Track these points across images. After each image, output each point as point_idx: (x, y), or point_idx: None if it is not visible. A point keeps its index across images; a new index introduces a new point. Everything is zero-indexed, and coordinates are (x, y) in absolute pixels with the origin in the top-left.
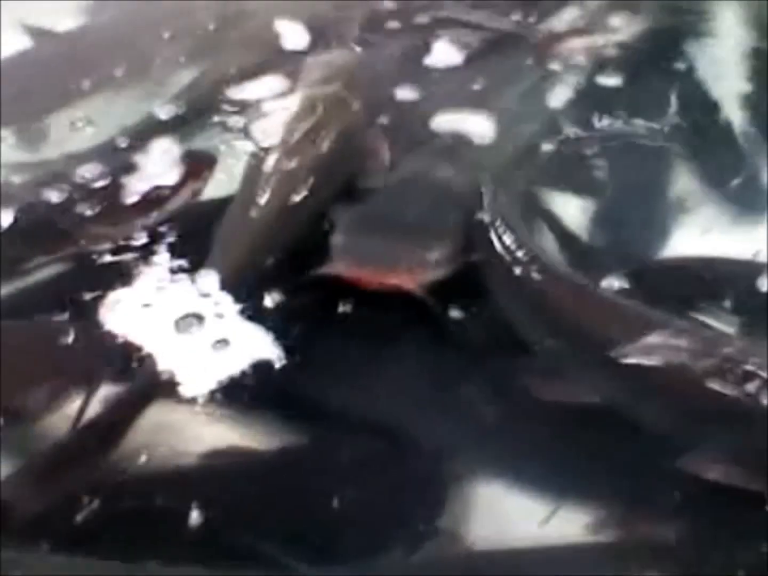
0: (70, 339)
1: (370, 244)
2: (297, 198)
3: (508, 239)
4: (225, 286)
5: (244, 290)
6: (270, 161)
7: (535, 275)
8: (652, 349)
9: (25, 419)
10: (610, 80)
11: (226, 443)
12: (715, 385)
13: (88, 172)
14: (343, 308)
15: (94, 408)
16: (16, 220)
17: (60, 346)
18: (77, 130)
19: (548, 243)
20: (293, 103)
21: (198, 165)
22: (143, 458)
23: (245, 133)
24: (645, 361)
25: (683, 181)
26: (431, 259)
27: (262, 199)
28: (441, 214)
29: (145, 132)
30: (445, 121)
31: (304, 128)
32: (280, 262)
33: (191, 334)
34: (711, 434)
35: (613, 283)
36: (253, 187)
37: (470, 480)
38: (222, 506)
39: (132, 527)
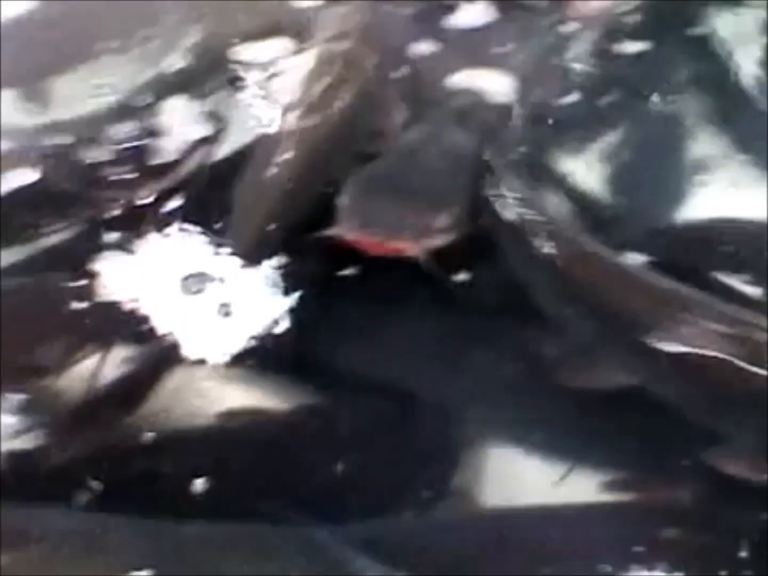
0: (80, 297)
1: (375, 207)
2: (316, 157)
3: (520, 207)
4: (243, 250)
5: (260, 254)
6: (288, 120)
7: (552, 245)
8: (685, 334)
9: (40, 376)
10: (629, 42)
11: (241, 404)
12: (746, 369)
13: (111, 133)
14: (353, 269)
15: (118, 368)
16: (38, 182)
17: (70, 304)
18: (87, 90)
19: (563, 207)
20: (308, 60)
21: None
22: (160, 418)
23: (260, 91)
24: (678, 347)
25: (704, 145)
26: (437, 224)
27: (281, 160)
28: (449, 178)
29: (158, 92)
30: (460, 80)
31: (321, 86)
32: (295, 224)
33: (205, 297)
34: (739, 419)
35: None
36: (271, 148)
37: (483, 441)
38: (236, 466)
39: (148, 486)
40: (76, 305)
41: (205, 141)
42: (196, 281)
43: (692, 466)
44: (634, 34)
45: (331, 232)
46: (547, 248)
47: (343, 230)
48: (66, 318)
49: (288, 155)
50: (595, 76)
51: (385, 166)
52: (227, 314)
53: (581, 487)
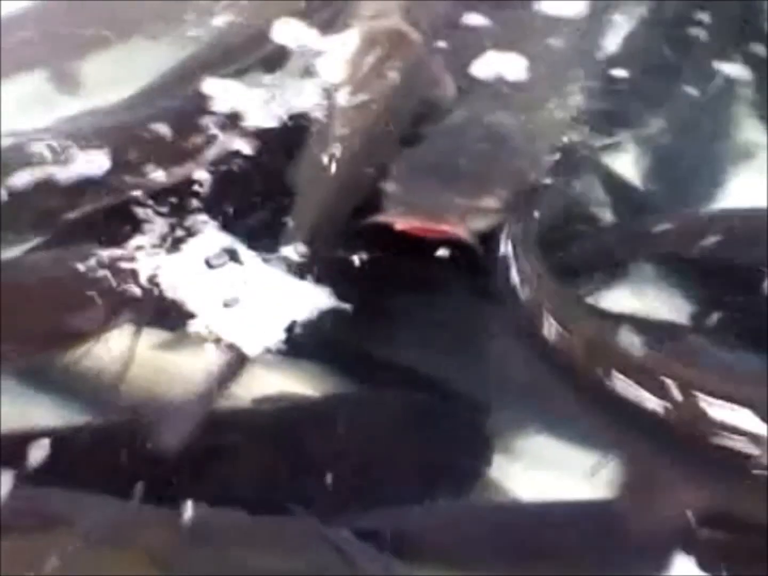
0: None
1: (419, 191)
2: (368, 137)
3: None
4: (304, 237)
5: (319, 240)
6: (338, 100)
7: None
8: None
9: (77, 342)
10: (669, 25)
11: (276, 390)
12: None
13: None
14: (395, 259)
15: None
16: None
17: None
18: (113, 75)
19: (600, 194)
20: (353, 39)
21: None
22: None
23: (305, 71)
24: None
25: (745, 131)
26: (482, 206)
27: (334, 143)
28: (494, 160)
29: (190, 75)
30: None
31: (368, 64)
32: (350, 209)
33: (239, 283)
34: None
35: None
36: (323, 131)
37: (516, 431)
38: (272, 451)
39: (178, 467)
40: (110, 274)
41: (227, 125)
42: (225, 264)
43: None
44: (675, 15)
45: (378, 218)
46: None
47: (389, 216)
48: (100, 286)
49: (340, 137)
50: (636, 60)
51: (428, 150)
52: (269, 301)
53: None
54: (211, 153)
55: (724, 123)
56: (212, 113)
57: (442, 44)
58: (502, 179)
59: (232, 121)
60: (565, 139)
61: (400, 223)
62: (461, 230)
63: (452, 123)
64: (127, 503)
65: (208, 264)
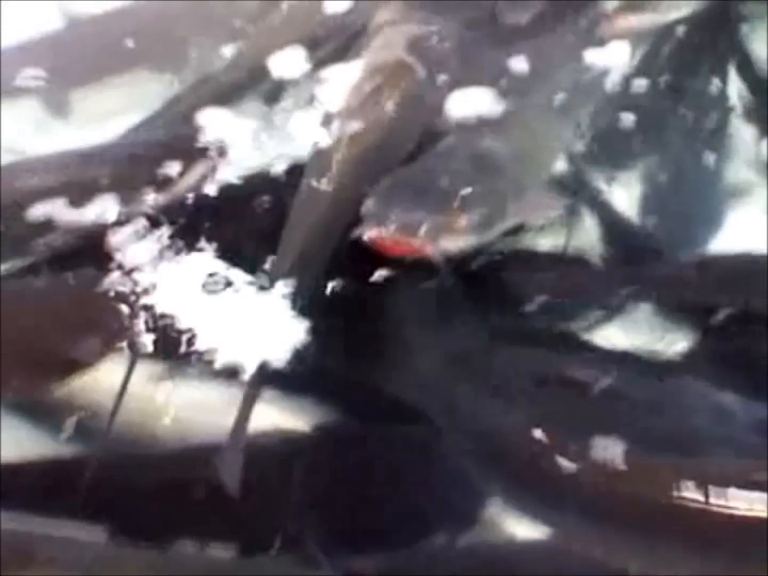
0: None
1: (396, 208)
2: (364, 164)
3: None
4: (291, 266)
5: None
6: (335, 127)
7: None
8: None
9: (76, 371)
10: (666, 58)
11: (267, 424)
12: None
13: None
14: (383, 287)
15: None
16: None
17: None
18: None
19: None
20: (356, 69)
21: (207, 147)
22: (183, 435)
23: (306, 101)
24: None
25: (742, 166)
26: (456, 225)
27: (331, 168)
28: (473, 182)
29: (193, 104)
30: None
31: (367, 92)
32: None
33: (230, 313)
34: None
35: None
36: (321, 157)
37: None
38: (259, 486)
39: (166, 504)
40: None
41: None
42: (224, 297)
43: None
44: (672, 50)
45: (354, 234)
46: None
47: (364, 231)
48: (101, 312)
49: (334, 165)
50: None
51: (411, 170)
52: (257, 329)
53: None
54: (189, 184)
55: (719, 160)
56: (196, 144)
57: (447, 77)
58: (481, 200)
59: (219, 152)
60: (558, 169)
61: (369, 234)
62: (429, 248)
63: (440, 146)
64: (107, 538)
65: (205, 289)
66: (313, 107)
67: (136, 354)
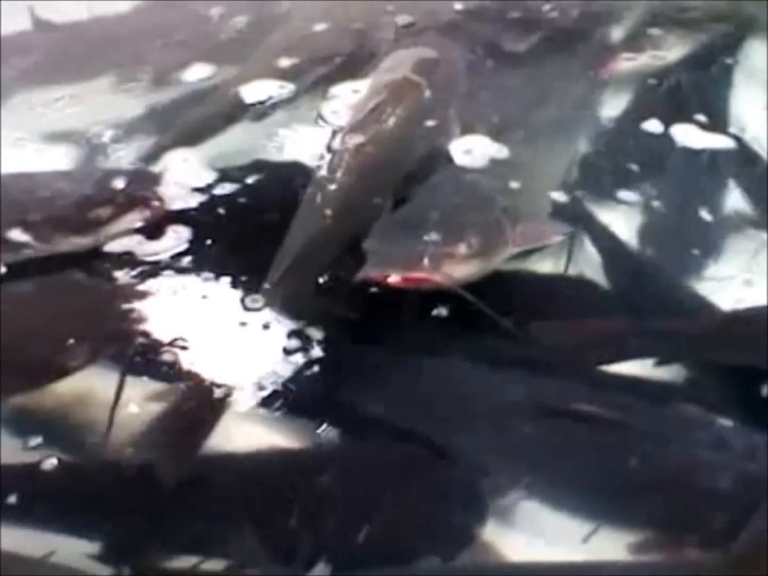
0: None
1: (395, 245)
2: (366, 177)
3: None
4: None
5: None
6: (337, 142)
7: None
8: None
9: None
10: (660, 97)
11: (266, 445)
12: None
13: None
14: (383, 314)
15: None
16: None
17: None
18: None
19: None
20: (364, 87)
21: (145, 195)
22: None
23: (317, 116)
24: None
25: (735, 199)
26: (456, 252)
27: (332, 182)
28: (466, 211)
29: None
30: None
31: (369, 108)
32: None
33: (231, 338)
34: None
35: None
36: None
37: (510, 492)
38: (257, 506)
39: (166, 524)
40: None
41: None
42: (225, 323)
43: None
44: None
45: (360, 275)
46: None
47: (369, 271)
48: (91, 318)
49: (335, 179)
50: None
51: (405, 208)
52: (257, 353)
53: (609, 545)
54: (120, 225)
55: (715, 191)
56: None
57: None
58: (475, 229)
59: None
60: (555, 197)
61: (373, 273)
62: (438, 276)
63: (431, 182)
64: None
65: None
66: (317, 124)
67: (126, 365)
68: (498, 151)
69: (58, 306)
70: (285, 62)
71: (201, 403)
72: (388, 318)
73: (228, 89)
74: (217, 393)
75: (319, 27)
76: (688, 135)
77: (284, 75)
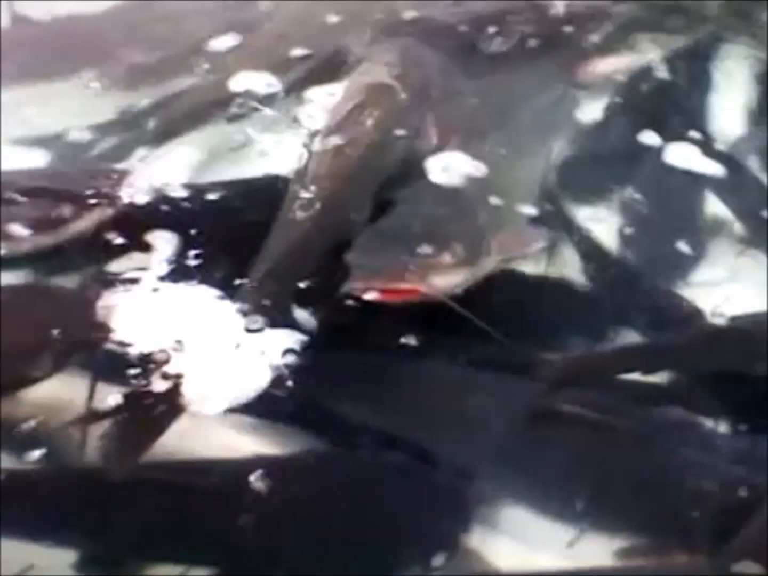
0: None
1: (379, 258)
2: (344, 179)
3: None
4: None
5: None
6: (314, 144)
7: None
8: None
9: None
10: (639, 100)
11: (250, 452)
12: None
13: None
14: (367, 322)
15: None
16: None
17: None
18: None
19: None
20: (340, 90)
21: (109, 193)
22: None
23: (292, 120)
24: None
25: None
26: (439, 262)
27: (310, 184)
28: (448, 221)
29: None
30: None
31: (347, 110)
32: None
33: (215, 343)
34: None
35: None
36: (301, 174)
37: (495, 500)
38: (243, 513)
39: (151, 531)
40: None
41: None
42: (210, 328)
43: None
44: (644, 91)
45: (345, 289)
46: None
47: (354, 285)
48: (50, 325)
49: (313, 180)
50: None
51: (387, 220)
52: (241, 360)
53: (595, 550)
54: (84, 224)
55: (696, 197)
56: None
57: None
58: (458, 237)
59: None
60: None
61: (363, 291)
62: (423, 286)
63: (411, 191)
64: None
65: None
66: (293, 126)
67: (96, 372)
68: (476, 168)
69: (23, 312)
70: (263, 64)
71: (149, 407)
72: (369, 322)
73: (204, 89)
74: (176, 397)
75: (296, 29)
76: (668, 138)
77: (262, 76)
